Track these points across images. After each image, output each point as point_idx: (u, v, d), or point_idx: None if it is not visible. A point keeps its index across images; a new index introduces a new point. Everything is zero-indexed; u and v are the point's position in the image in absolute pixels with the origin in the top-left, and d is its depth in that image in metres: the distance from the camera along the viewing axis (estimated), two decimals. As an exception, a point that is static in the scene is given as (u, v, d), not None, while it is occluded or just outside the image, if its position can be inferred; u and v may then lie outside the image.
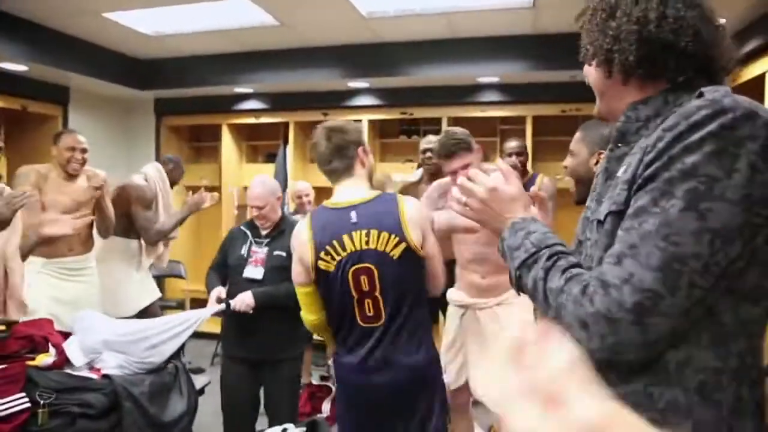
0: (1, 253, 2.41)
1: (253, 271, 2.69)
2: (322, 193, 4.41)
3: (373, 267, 1.83)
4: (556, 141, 4.95)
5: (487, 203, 1.04)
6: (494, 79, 4.91)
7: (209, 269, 2.87)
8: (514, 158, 3.53)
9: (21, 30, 4.16)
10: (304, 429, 2.59)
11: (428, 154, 3.71)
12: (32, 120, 4.97)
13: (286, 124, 5.66)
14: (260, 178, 2.89)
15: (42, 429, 1.78)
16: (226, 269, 2.80)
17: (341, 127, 1.96)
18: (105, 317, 2.47)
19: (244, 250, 2.75)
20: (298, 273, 1.94)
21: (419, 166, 3.97)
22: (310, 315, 1.99)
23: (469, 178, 1.07)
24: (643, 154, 0.85)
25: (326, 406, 3.93)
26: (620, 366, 0.84)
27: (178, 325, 2.37)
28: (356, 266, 1.83)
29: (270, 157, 5.91)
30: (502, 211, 1.03)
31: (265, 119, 5.69)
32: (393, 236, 1.83)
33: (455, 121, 5.29)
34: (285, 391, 2.80)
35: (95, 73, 4.84)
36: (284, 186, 5.57)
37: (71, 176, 3.19)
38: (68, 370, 2.00)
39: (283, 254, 2.64)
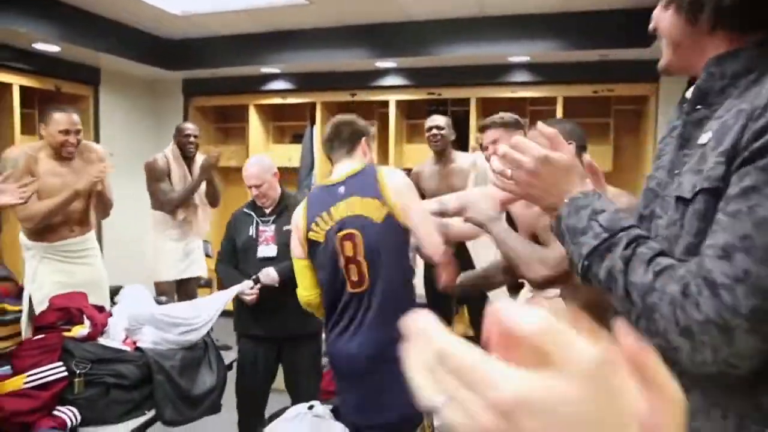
0: None
1: (266, 250, 2.69)
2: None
3: (356, 232, 1.94)
4: (587, 123, 4.85)
5: (537, 176, 0.87)
6: (524, 59, 4.81)
7: (218, 264, 2.83)
8: None
9: (54, 11, 4.21)
10: (331, 407, 2.62)
11: (433, 131, 3.68)
12: (65, 100, 5.04)
13: (313, 105, 5.66)
14: (255, 157, 2.93)
15: (78, 397, 1.83)
16: (236, 255, 2.77)
17: (351, 120, 2.15)
18: (150, 296, 2.51)
19: (251, 231, 2.74)
20: (294, 246, 2.12)
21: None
22: (304, 291, 2.13)
23: (513, 147, 0.90)
24: (747, 120, 0.71)
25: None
26: (728, 379, 0.72)
27: (211, 308, 2.39)
28: (341, 233, 1.96)
29: (297, 138, 5.92)
30: (556, 184, 0.87)
31: (291, 100, 5.69)
32: (374, 200, 1.95)
33: (484, 102, 5.21)
34: (307, 367, 2.82)
35: (125, 53, 4.89)
36: (311, 167, 5.58)
37: (62, 157, 2.94)
38: (102, 342, 2.04)
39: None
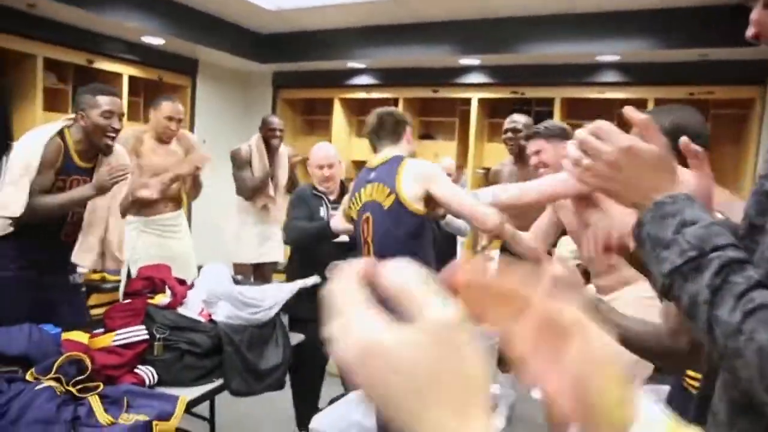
0: (106, 210, 2.59)
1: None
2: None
3: (370, 215, 2.13)
4: (680, 126, 4.58)
5: (618, 168, 0.75)
6: (615, 58, 4.62)
7: (292, 222, 2.78)
8: None
9: (160, 5, 4.55)
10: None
11: (509, 134, 3.59)
12: (166, 89, 5.43)
13: (395, 100, 5.73)
14: (322, 144, 3.03)
15: (156, 359, 1.99)
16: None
17: (393, 111, 2.33)
18: (228, 274, 2.65)
19: (323, 213, 2.79)
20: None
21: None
22: None
23: (593, 132, 0.78)
24: None
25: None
26: None
27: (278, 294, 2.49)
28: (363, 215, 2.17)
29: (378, 133, 6.02)
30: (641, 181, 0.75)
31: (375, 94, 5.79)
32: (386, 188, 2.09)
33: (569, 103, 5.06)
34: None
35: (221, 46, 5.20)
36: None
37: (163, 141, 3.34)
38: (180, 311, 2.21)
39: None
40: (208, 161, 3.39)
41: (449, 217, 2.72)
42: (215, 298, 2.37)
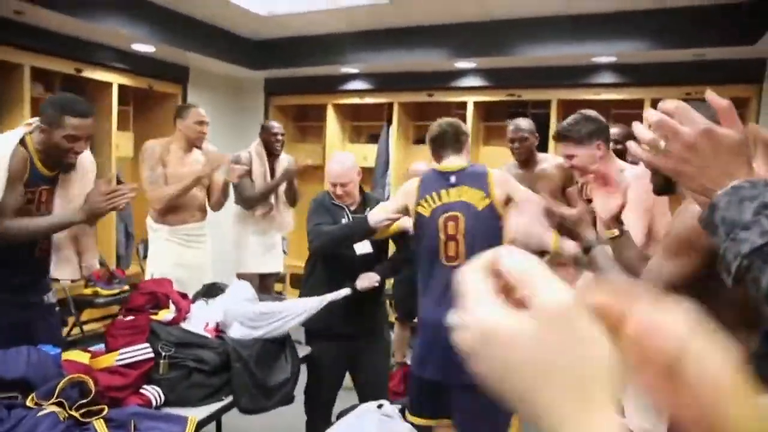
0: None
1: (363, 246, 2.67)
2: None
3: (459, 214, 2.28)
4: (677, 126, 4.57)
5: (696, 151, 0.75)
6: (610, 59, 4.61)
7: (317, 227, 2.65)
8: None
9: (149, 13, 4.46)
10: (400, 407, 2.60)
11: (516, 144, 3.56)
12: (156, 98, 5.35)
13: (390, 105, 5.68)
14: (340, 156, 2.84)
15: (162, 378, 1.91)
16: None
17: (455, 122, 2.52)
18: (252, 292, 2.51)
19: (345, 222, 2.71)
20: (392, 205, 2.46)
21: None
22: None
23: (667, 113, 0.77)
24: None
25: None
26: None
27: (301, 311, 2.40)
28: (446, 214, 2.30)
29: (372, 138, 5.97)
30: (717, 165, 0.74)
31: (369, 99, 5.74)
32: (480, 191, 2.31)
33: (565, 104, 5.04)
34: (378, 366, 2.81)
35: (212, 53, 5.11)
36: (386, 167, 5.61)
37: (190, 148, 3.39)
38: (184, 326, 2.13)
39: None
40: (226, 163, 3.46)
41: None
42: (229, 320, 2.29)
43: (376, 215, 2.48)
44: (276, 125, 4.04)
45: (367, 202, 2.77)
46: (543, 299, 0.34)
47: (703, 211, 0.76)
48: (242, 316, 2.24)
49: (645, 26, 4.23)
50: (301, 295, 2.65)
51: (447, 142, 2.42)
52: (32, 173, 2.16)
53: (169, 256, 3.33)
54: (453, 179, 2.35)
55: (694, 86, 4.50)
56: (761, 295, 0.69)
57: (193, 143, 3.38)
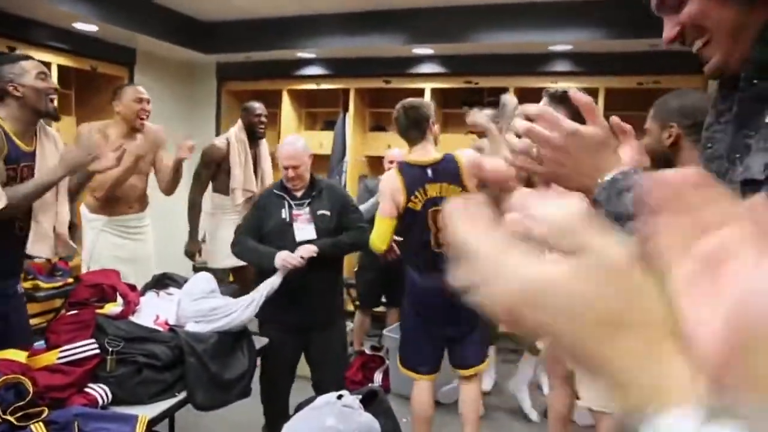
0: (54, 194, 2.39)
1: (304, 233, 2.61)
2: (375, 160, 5.10)
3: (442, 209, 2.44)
4: (630, 116, 4.63)
5: (566, 153, 0.77)
6: (566, 48, 4.65)
7: (240, 237, 2.75)
8: None
9: (92, -11, 4.20)
10: (360, 397, 2.55)
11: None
12: (101, 80, 5.06)
13: (346, 91, 5.58)
14: (291, 137, 2.91)
15: (110, 375, 1.79)
16: (259, 234, 2.69)
17: (418, 104, 2.63)
18: (215, 286, 2.43)
19: (284, 214, 2.66)
20: (389, 208, 2.57)
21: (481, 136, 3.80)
22: (380, 243, 2.62)
23: (529, 118, 0.79)
24: None
25: (378, 377, 3.89)
26: None
27: (251, 301, 2.33)
28: (434, 208, 2.52)
29: (328, 125, 5.86)
30: (588, 162, 0.78)
31: (325, 85, 5.62)
32: (457, 188, 2.55)
33: (522, 92, 5.07)
34: (334, 356, 2.76)
35: (161, 34, 4.87)
36: (342, 154, 5.51)
37: (130, 133, 3.14)
38: (134, 320, 2.00)
39: (327, 213, 2.64)
40: (192, 150, 3.21)
41: None
42: (186, 319, 2.18)
43: (280, 259, 2.49)
44: (258, 105, 3.79)
45: (315, 186, 2.72)
46: (598, 247, 0.31)
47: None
48: (195, 314, 2.13)
49: (601, 16, 4.27)
50: (255, 285, 2.57)
51: (409, 126, 2.58)
52: (11, 149, 2.17)
53: (107, 247, 3.11)
54: (430, 173, 2.57)
55: (649, 76, 4.60)
56: None
57: (132, 125, 3.10)
